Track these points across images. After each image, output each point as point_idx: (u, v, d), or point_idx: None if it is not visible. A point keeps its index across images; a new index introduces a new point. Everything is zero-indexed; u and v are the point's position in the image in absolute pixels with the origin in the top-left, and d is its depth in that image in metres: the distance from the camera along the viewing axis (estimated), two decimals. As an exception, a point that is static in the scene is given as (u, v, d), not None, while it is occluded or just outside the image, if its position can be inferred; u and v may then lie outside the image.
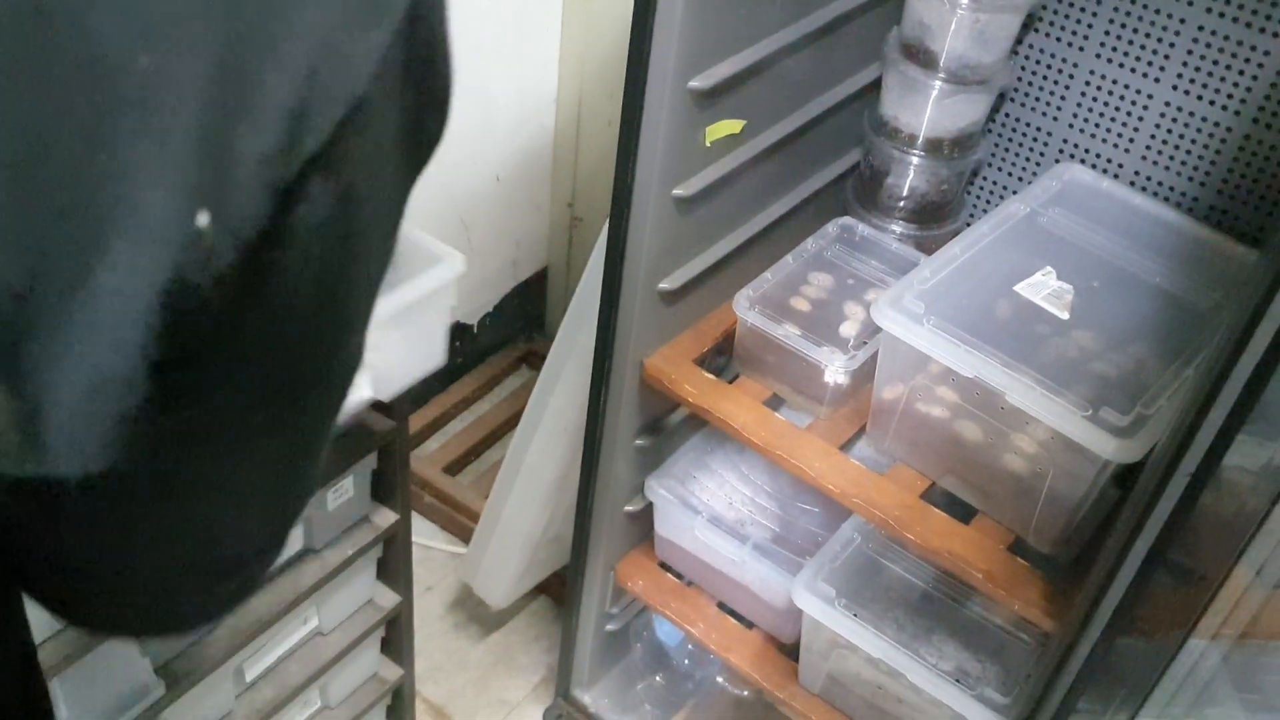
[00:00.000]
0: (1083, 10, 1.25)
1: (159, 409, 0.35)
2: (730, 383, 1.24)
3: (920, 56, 1.25)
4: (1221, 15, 1.17)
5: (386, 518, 1.21)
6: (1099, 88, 1.28)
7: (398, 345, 0.97)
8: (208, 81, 0.31)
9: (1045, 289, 1.15)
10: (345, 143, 0.34)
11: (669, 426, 1.35)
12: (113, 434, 0.33)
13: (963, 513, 1.13)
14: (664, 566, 1.42)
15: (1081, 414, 1.00)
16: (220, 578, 0.47)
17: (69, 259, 0.30)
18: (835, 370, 1.18)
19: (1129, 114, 1.27)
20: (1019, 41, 1.29)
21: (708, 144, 1.12)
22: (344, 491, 1.15)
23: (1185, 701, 0.95)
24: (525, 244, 2.04)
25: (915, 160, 1.30)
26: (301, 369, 0.41)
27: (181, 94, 0.30)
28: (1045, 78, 1.31)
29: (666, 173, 1.09)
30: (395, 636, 1.35)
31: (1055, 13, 1.27)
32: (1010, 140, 1.37)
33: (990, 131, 1.37)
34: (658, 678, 1.58)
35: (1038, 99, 1.33)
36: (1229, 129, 1.21)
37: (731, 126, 1.14)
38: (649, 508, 1.36)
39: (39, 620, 0.49)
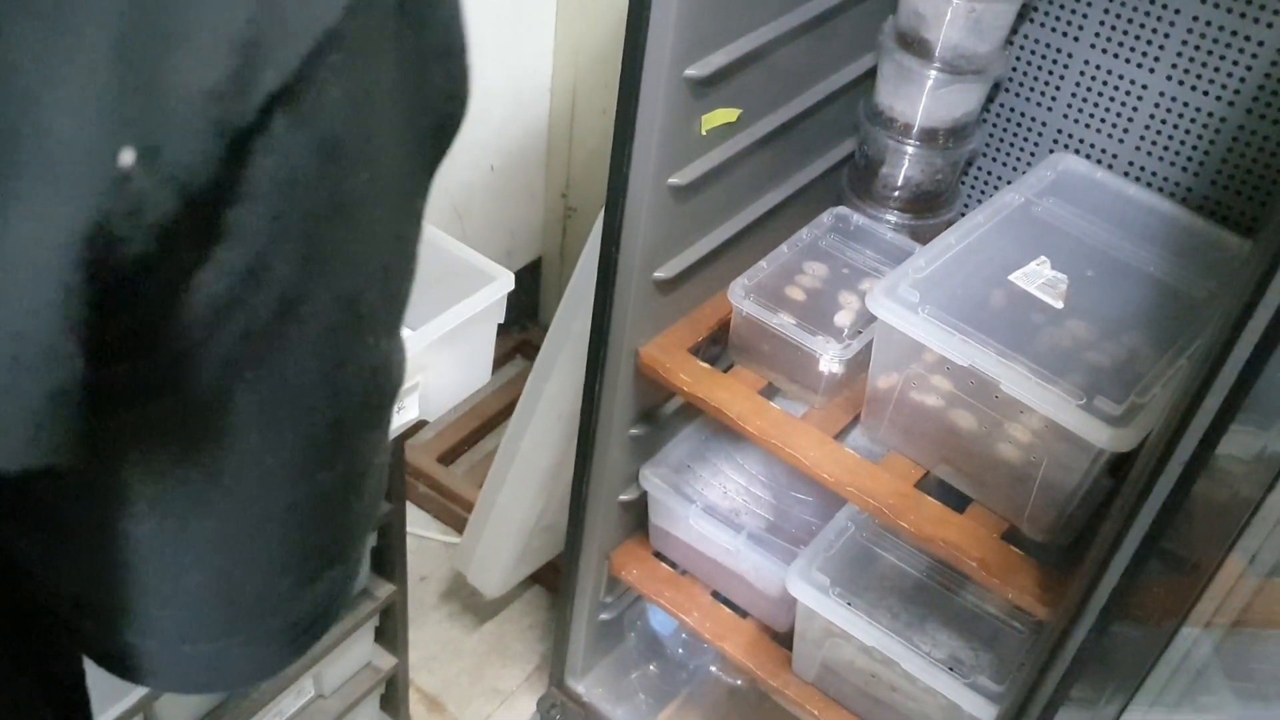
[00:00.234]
0: (1078, 0, 1.25)
1: (112, 400, 0.31)
2: (725, 372, 1.24)
3: (915, 46, 1.25)
4: (1216, 5, 1.17)
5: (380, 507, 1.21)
6: (1093, 78, 1.28)
7: (447, 365, 0.94)
8: None
9: (1040, 278, 1.16)
10: (318, 83, 0.30)
11: (664, 416, 1.35)
12: (45, 417, 0.29)
13: (957, 501, 1.13)
14: (658, 555, 1.42)
15: (1076, 403, 1.01)
16: (256, 616, 0.41)
17: None
18: (830, 359, 1.18)
19: (1123, 104, 1.27)
20: (1014, 31, 1.30)
21: (703, 133, 1.12)
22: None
23: (1178, 689, 0.95)
24: (519, 233, 2.04)
25: (910, 150, 1.30)
26: (300, 369, 0.35)
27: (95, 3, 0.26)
28: (1040, 68, 1.31)
29: (662, 161, 1.09)
30: (389, 626, 1.35)
31: (1050, 3, 1.27)
32: (1005, 130, 1.37)
33: (985, 121, 1.37)
34: (652, 667, 1.58)
35: (1032, 89, 1.33)
36: (1223, 119, 1.21)
37: (727, 115, 1.14)
38: (643, 497, 1.36)
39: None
